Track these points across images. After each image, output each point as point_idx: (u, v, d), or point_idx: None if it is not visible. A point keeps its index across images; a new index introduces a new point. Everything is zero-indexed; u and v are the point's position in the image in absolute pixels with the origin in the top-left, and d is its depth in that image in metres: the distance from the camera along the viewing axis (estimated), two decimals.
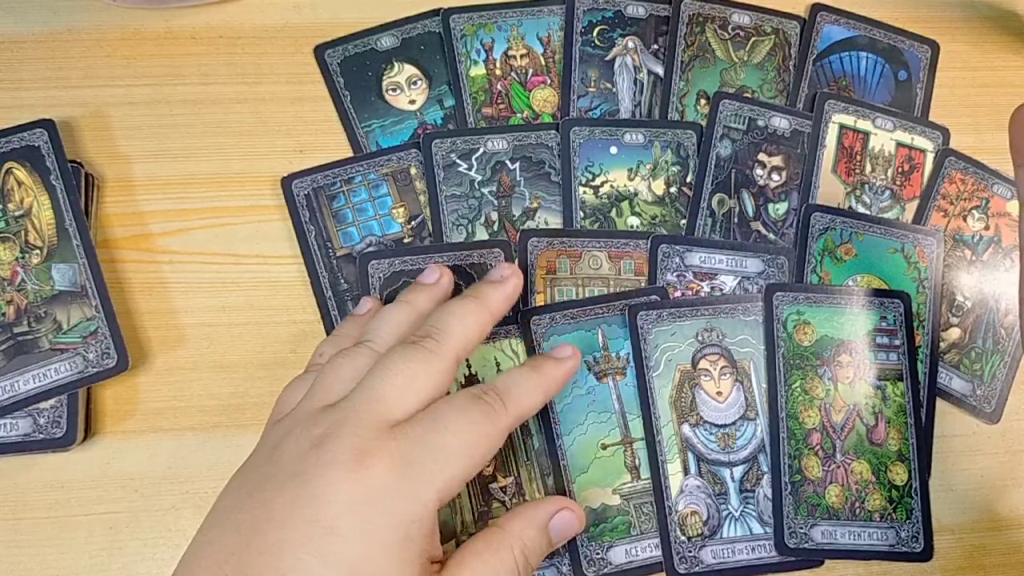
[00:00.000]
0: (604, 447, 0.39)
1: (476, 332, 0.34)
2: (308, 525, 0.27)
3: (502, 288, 0.35)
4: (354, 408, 0.30)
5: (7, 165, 0.39)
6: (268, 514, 0.28)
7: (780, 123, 0.45)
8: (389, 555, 0.27)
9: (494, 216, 0.42)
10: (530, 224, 0.43)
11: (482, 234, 0.42)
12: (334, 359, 0.33)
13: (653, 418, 0.39)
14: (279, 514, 0.27)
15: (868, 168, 0.45)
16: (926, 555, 0.39)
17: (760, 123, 0.45)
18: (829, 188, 0.44)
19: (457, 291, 0.41)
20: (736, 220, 0.43)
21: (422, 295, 0.36)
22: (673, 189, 0.44)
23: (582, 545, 0.38)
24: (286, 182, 0.42)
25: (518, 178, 0.43)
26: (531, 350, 0.40)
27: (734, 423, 0.40)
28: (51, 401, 0.37)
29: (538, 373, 0.34)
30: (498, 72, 0.45)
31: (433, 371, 0.31)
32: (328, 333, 0.40)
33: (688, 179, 0.44)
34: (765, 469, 0.39)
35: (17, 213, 0.39)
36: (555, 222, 0.43)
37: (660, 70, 0.46)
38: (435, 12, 0.45)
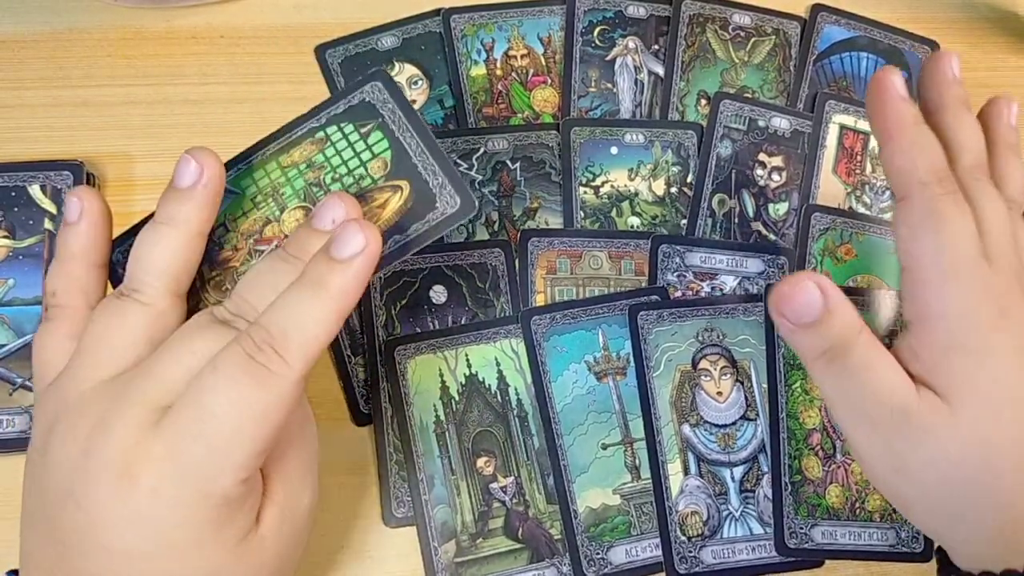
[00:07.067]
0: (604, 447, 0.39)
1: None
2: (102, 552, 0.25)
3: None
4: (124, 395, 0.25)
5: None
6: (63, 537, 0.25)
7: (780, 123, 0.45)
8: (209, 551, 0.25)
9: (494, 216, 0.42)
10: (530, 224, 0.43)
11: (482, 234, 0.42)
12: (99, 315, 0.27)
13: (653, 418, 0.39)
14: (72, 539, 0.25)
15: (868, 168, 0.45)
16: (926, 555, 0.39)
17: (760, 123, 0.45)
18: (829, 188, 0.44)
19: (458, 293, 0.41)
20: (736, 220, 0.43)
21: (186, 207, 0.28)
22: (673, 189, 0.44)
23: (582, 545, 0.38)
24: None
25: (519, 178, 0.43)
26: (531, 350, 0.40)
27: (734, 423, 0.40)
28: None
29: (325, 293, 0.26)
30: (499, 72, 0.45)
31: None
32: None
33: (688, 179, 0.44)
34: (765, 469, 0.39)
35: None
36: (555, 222, 0.43)
37: (661, 70, 0.46)
38: (436, 12, 0.46)
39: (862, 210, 0.44)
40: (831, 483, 0.39)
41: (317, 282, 0.26)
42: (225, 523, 0.25)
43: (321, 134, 0.30)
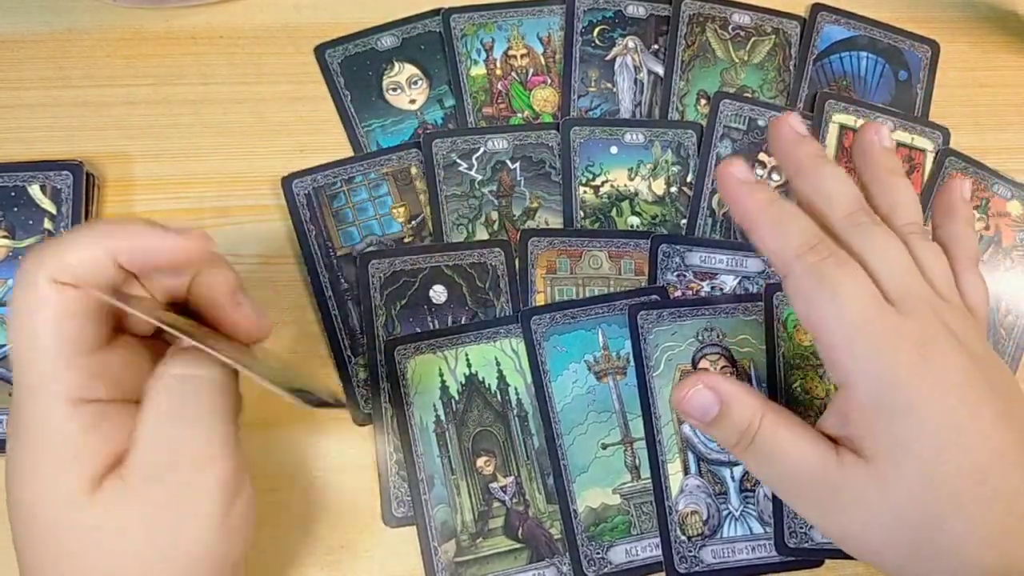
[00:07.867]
0: (604, 447, 0.39)
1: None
2: None
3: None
4: None
5: None
6: None
7: None
8: (41, 485, 0.26)
9: (494, 216, 0.42)
10: (530, 224, 0.43)
11: (482, 234, 0.42)
12: None
13: (653, 418, 0.39)
14: None
15: None
16: None
17: (760, 123, 0.45)
18: None
19: (458, 293, 0.41)
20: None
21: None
22: (673, 189, 0.44)
23: (582, 545, 0.38)
24: (286, 182, 0.42)
25: (518, 178, 0.43)
26: (531, 350, 0.40)
27: None
28: None
29: (101, 224, 0.28)
30: (498, 72, 0.45)
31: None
32: (327, 333, 0.40)
33: (688, 179, 0.44)
34: None
35: None
36: (555, 222, 0.43)
37: (660, 70, 0.46)
38: (435, 12, 0.46)
39: None
40: None
41: (109, 222, 0.28)
42: (65, 458, 0.26)
43: None
